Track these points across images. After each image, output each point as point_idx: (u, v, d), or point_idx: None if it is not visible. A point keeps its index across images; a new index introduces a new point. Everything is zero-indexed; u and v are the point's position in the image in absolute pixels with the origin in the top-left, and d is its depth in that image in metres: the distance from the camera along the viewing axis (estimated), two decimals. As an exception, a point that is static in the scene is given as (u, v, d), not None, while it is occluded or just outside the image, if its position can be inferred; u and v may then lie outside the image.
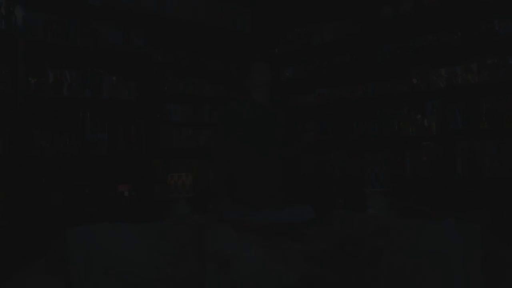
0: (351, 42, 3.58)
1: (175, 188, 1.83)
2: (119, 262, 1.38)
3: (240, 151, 2.21)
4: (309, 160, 3.70)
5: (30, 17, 2.94)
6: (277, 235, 1.49)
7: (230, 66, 4.33)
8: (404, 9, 3.14)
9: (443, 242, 1.30)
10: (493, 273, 1.28)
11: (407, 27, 3.20)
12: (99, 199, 3.07)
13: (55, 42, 2.94)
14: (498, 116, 2.67)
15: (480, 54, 2.87)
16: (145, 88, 3.37)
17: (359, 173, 3.32)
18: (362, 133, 3.46)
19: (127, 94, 3.27)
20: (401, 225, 1.43)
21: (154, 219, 1.70)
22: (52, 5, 3.14)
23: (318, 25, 3.79)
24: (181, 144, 3.84)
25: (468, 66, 2.84)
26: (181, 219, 1.62)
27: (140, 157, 3.27)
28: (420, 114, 3.08)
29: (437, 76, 2.98)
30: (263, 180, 2.16)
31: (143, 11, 3.53)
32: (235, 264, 1.43)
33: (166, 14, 3.68)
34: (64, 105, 3.08)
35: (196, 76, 4.09)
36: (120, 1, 3.38)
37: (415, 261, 1.30)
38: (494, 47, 2.80)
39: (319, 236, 1.49)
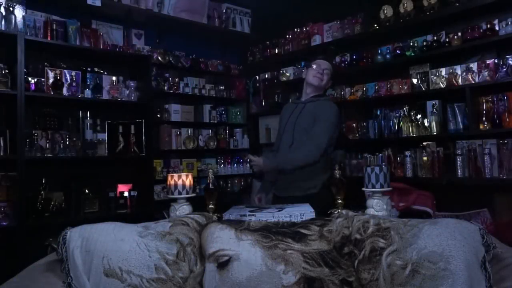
0: (351, 42, 3.57)
1: (175, 188, 1.82)
2: (119, 262, 1.38)
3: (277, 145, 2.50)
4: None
5: (30, 17, 2.94)
6: (277, 235, 1.49)
7: (230, 66, 4.34)
8: (404, 9, 3.15)
9: (443, 242, 1.30)
10: (493, 273, 1.28)
11: (407, 27, 3.19)
12: (99, 199, 3.07)
13: (55, 42, 2.94)
14: (498, 116, 2.67)
15: (480, 54, 2.87)
16: (145, 88, 3.37)
17: (359, 173, 3.34)
18: (362, 133, 3.46)
19: (127, 94, 3.27)
20: (401, 225, 1.43)
21: (154, 219, 1.69)
22: (52, 5, 3.14)
23: (318, 25, 3.80)
24: (181, 144, 3.84)
25: (468, 66, 2.84)
26: (181, 219, 1.62)
27: (140, 157, 3.27)
28: (420, 114, 3.08)
29: (437, 76, 2.98)
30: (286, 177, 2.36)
31: (143, 11, 3.53)
32: (235, 264, 1.43)
33: (166, 14, 3.68)
34: (64, 105, 3.08)
35: (196, 76, 4.09)
36: (120, 1, 3.38)
37: (415, 261, 1.30)
38: (494, 47, 2.80)
39: (319, 236, 1.49)
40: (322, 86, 2.43)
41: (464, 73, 2.85)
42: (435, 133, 2.97)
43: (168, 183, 1.84)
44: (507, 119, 2.63)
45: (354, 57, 3.53)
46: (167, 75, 3.82)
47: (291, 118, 2.42)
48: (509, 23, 2.63)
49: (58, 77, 2.92)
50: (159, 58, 3.74)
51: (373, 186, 1.66)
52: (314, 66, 2.42)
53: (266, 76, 4.32)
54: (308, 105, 2.40)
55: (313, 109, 2.36)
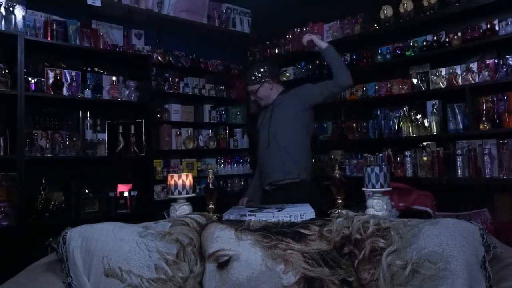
0: (351, 42, 3.57)
1: (175, 188, 1.82)
2: (119, 262, 1.38)
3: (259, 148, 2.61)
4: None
5: (30, 17, 2.94)
6: (277, 235, 1.49)
7: (230, 66, 4.34)
8: (404, 9, 3.15)
9: (443, 242, 1.30)
10: (493, 273, 1.28)
11: (407, 27, 3.19)
12: (99, 199, 3.07)
13: (55, 42, 2.94)
14: (498, 116, 2.67)
15: (480, 54, 2.87)
16: (145, 88, 3.37)
17: (359, 173, 3.34)
18: (362, 133, 3.46)
19: (127, 94, 3.27)
20: (401, 225, 1.43)
21: (154, 219, 1.69)
22: (52, 5, 3.14)
23: (318, 25, 3.79)
24: (181, 144, 3.84)
25: (468, 66, 2.84)
26: (181, 219, 1.62)
27: (140, 157, 3.27)
28: (420, 114, 3.08)
29: (437, 76, 2.98)
30: (269, 169, 2.48)
31: (143, 11, 3.53)
32: (235, 264, 1.43)
33: (166, 14, 3.68)
34: (64, 105, 3.08)
35: (196, 76, 4.09)
36: (120, 1, 3.38)
37: (415, 261, 1.30)
38: (494, 47, 2.80)
39: (319, 236, 1.49)
40: (270, 97, 2.54)
41: (464, 73, 2.85)
42: (435, 133, 2.97)
43: (168, 183, 1.84)
44: (507, 119, 2.63)
45: (354, 57, 3.53)
46: (167, 75, 3.82)
47: (265, 119, 2.54)
48: (509, 23, 2.63)
49: (58, 77, 2.91)
50: (159, 58, 3.74)
51: (373, 186, 1.66)
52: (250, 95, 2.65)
53: (266, 76, 4.31)
54: (277, 101, 2.52)
55: (287, 100, 2.49)
